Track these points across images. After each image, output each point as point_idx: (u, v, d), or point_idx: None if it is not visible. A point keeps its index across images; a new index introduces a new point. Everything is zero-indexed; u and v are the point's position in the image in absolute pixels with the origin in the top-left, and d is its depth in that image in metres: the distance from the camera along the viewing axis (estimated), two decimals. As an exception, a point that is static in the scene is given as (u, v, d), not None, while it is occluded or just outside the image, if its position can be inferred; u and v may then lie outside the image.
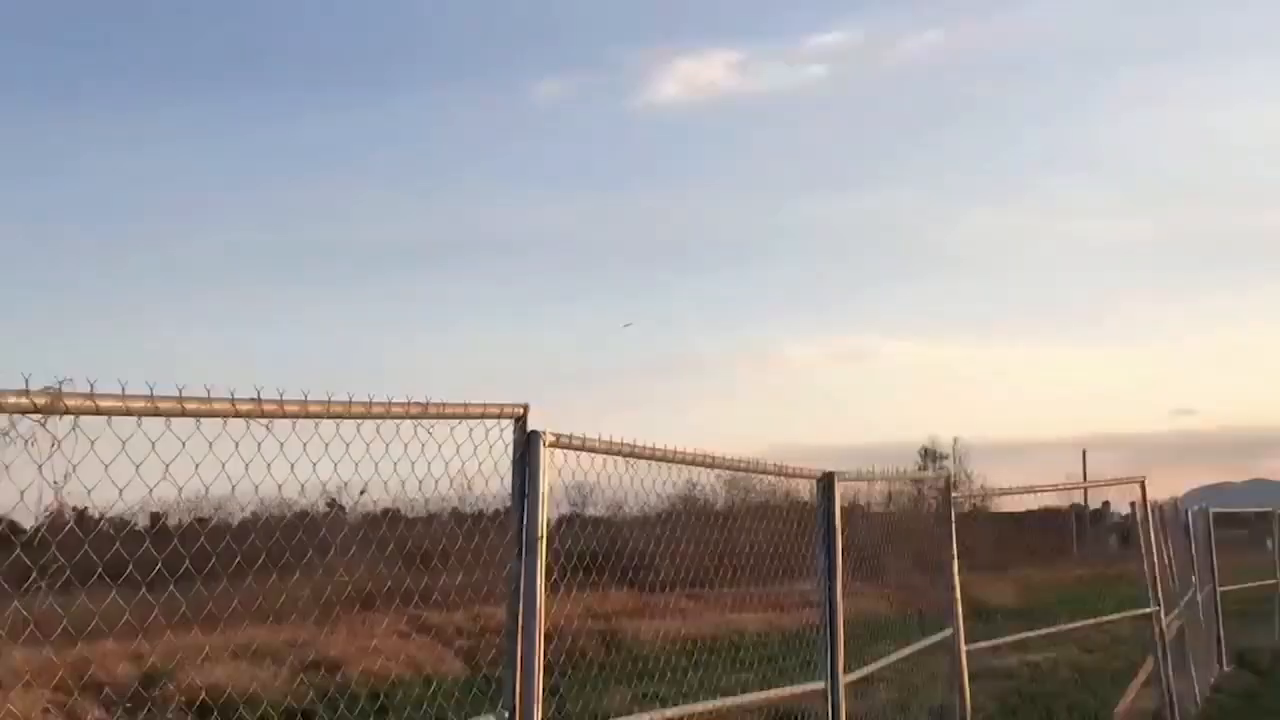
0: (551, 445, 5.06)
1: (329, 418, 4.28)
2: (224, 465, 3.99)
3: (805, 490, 8.00)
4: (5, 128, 60.56)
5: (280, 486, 4.29)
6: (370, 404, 4.40)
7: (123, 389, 3.53)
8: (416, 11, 70.03)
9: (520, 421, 5.02)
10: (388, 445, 4.66)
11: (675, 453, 6.07)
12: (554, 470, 5.11)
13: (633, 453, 5.64)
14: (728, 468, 7.02)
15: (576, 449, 5.28)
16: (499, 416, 4.97)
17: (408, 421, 4.64)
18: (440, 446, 4.86)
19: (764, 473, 7.64)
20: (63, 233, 61.88)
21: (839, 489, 7.83)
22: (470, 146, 74.84)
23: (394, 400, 4.51)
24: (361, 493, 4.82)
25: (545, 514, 5.00)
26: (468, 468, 5.00)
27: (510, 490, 5.03)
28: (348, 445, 4.47)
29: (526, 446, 4.98)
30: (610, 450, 5.48)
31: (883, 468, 9.18)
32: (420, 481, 4.90)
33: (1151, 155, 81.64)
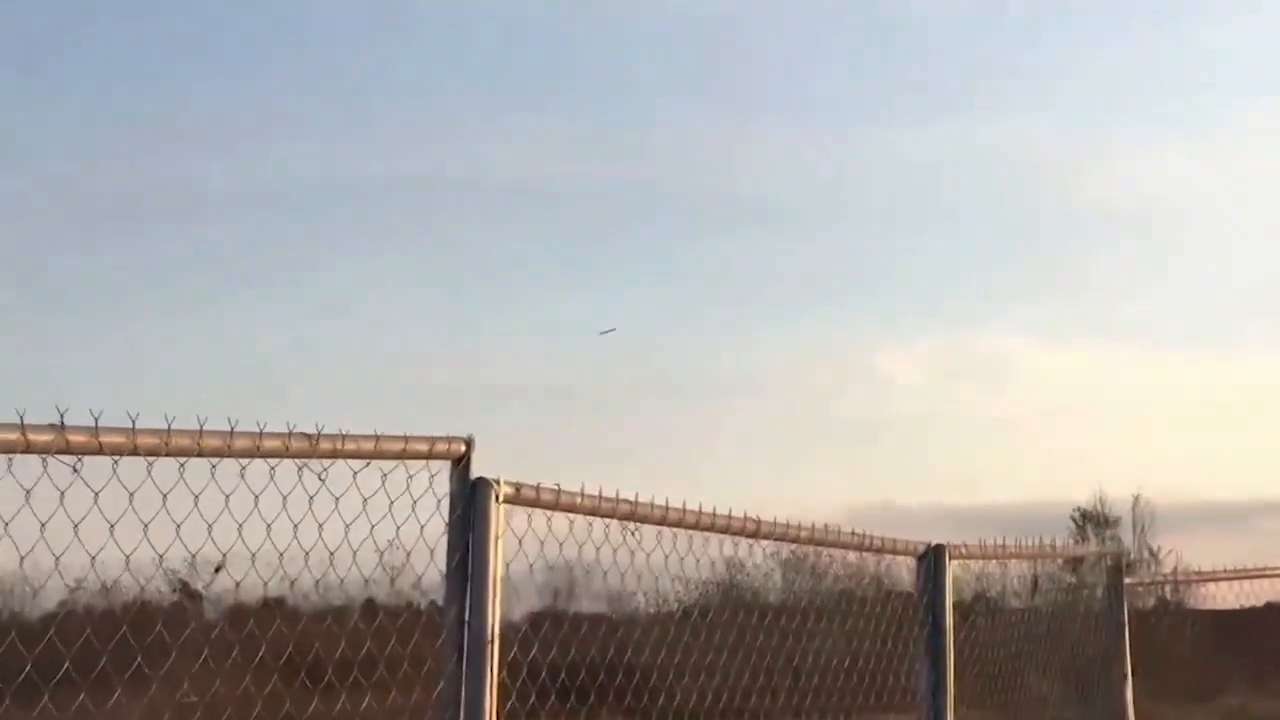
0: (508, 500, 3.87)
1: (169, 455, 3.34)
2: (5, 527, 3.14)
3: (902, 572, 6.64)
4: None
5: (94, 560, 3.37)
6: (231, 434, 3.40)
7: None
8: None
9: (460, 464, 3.89)
10: (257, 499, 3.60)
11: (701, 515, 4.57)
12: (512, 537, 3.95)
13: (632, 514, 4.20)
14: (784, 539, 5.44)
15: (547, 507, 3.99)
16: (428, 457, 3.86)
17: (289, 462, 3.63)
18: (338, 501, 3.73)
19: (840, 546, 6.02)
20: None
21: (952, 570, 6.40)
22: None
23: (267, 429, 3.50)
24: (217, 570, 3.57)
25: (499, 601, 3.89)
26: (379, 534, 3.83)
27: (445, 567, 3.90)
28: (196, 498, 3.50)
29: (470, 501, 3.86)
30: (598, 510, 4.07)
31: (1018, 540, 7.71)
32: (307, 554, 3.75)
33: None
